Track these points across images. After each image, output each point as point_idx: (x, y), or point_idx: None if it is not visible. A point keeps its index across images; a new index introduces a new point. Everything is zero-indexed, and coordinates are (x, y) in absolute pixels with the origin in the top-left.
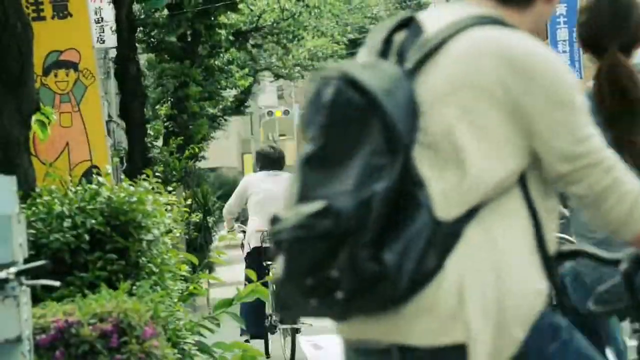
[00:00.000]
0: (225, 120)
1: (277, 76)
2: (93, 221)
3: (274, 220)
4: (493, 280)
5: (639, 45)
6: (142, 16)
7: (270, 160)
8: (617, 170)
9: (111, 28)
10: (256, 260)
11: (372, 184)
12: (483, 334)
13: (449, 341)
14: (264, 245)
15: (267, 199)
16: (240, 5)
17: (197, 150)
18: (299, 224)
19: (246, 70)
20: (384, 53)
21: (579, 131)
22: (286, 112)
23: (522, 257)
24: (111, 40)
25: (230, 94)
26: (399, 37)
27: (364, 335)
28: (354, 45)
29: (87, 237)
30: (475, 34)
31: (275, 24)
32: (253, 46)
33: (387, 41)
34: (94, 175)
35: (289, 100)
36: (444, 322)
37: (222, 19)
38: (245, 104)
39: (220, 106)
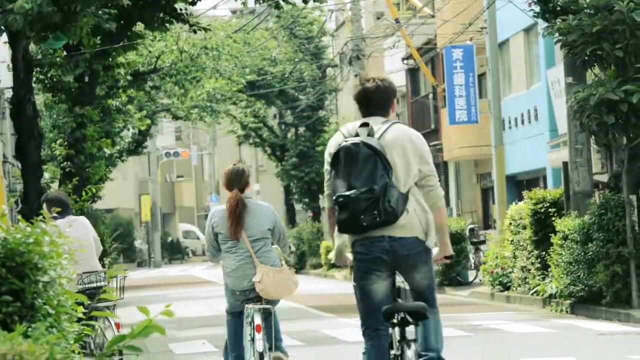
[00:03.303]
0: (123, 161)
1: (176, 117)
2: None
3: (339, 197)
4: (423, 214)
5: (247, 188)
6: (39, 56)
7: (65, 205)
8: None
9: (8, 66)
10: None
11: (382, 181)
12: (421, 235)
13: (411, 235)
14: (85, 286)
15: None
16: (139, 46)
17: (94, 191)
18: (360, 194)
19: (144, 112)
20: (357, 134)
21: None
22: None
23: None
24: (7, 80)
25: (128, 134)
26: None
27: (372, 235)
28: (252, 87)
29: None
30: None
31: (173, 65)
32: (152, 88)
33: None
34: None
35: (187, 142)
36: (411, 229)
37: (120, 59)
38: (143, 145)
39: (118, 147)
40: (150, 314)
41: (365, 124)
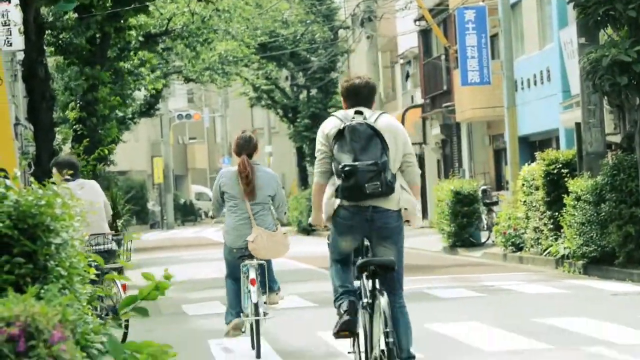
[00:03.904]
0: (135, 123)
1: (188, 80)
2: (0, 224)
3: (345, 166)
4: (406, 194)
5: (254, 153)
6: (51, 19)
7: (75, 168)
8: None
9: (20, 29)
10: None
11: (383, 158)
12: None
13: (396, 208)
14: (93, 248)
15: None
16: (150, 8)
17: (106, 152)
18: (366, 166)
19: (157, 73)
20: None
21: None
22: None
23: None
24: (19, 43)
25: (140, 95)
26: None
27: (363, 204)
28: (264, 49)
29: None
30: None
31: (184, 27)
32: (163, 50)
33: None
34: (1, 179)
35: (199, 104)
36: (396, 203)
37: (132, 21)
38: (155, 107)
39: (130, 108)
40: (155, 278)
41: (359, 112)
